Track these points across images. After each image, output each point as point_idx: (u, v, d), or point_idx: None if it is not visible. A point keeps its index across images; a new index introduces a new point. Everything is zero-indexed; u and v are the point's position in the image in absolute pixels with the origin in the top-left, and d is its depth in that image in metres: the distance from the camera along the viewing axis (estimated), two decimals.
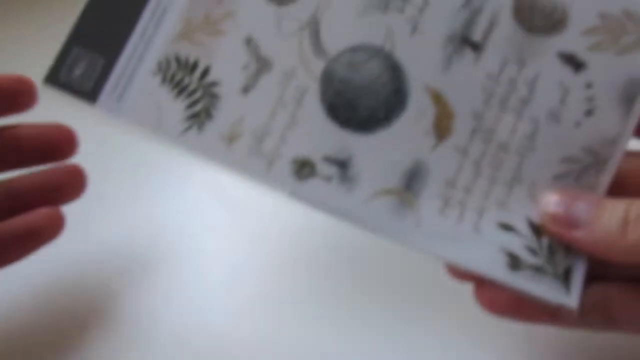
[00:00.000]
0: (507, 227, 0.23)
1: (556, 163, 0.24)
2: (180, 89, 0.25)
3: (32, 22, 0.42)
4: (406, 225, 0.24)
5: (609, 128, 0.24)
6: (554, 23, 0.24)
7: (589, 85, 0.24)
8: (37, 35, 0.40)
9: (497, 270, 0.23)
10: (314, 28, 0.25)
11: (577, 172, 0.24)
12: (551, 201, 0.23)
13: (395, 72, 0.24)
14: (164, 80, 0.25)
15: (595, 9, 0.24)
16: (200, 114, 0.24)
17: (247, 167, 0.24)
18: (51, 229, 0.28)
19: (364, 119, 0.24)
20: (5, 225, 0.27)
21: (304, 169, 0.24)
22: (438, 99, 0.24)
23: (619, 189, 0.24)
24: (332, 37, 0.25)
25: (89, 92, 0.25)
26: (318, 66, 0.24)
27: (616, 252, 0.21)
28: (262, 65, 0.25)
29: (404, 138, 0.24)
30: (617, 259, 0.21)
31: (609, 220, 0.21)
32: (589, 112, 0.24)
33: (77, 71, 0.25)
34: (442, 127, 0.24)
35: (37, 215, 0.27)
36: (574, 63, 0.24)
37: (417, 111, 0.24)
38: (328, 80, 0.24)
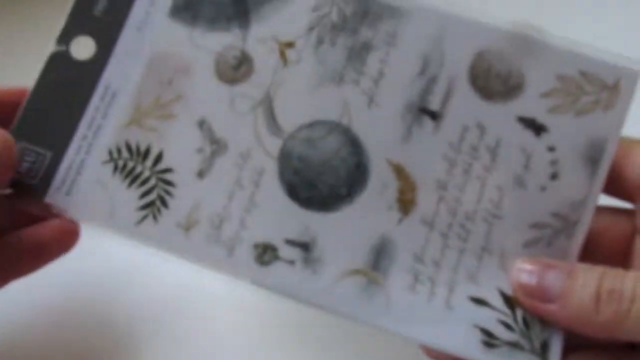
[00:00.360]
0: (479, 302, 0.22)
1: (525, 230, 0.23)
2: (132, 177, 0.24)
3: (31, 20, 0.41)
4: (376, 307, 0.22)
5: (576, 191, 0.23)
6: (511, 88, 0.24)
7: (551, 149, 0.23)
8: (34, 34, 0.38)
9: (471, 349, 0.22)
10: (267, 105, 0.24)
11: (547, 238, 0.23)
12: (522, 271, 0.22)
13: (354, 147, 0.24)
14: (115, 169, 0.24)
15: (552, 71, 0.23)
16: (155, 202, 0.23)
17: (206, 255, 0.23)
18: (63, 243, 0.26)
19: (326, 197, 0.23)
20: (14, 236, 0.25)
21: (265, 254, 0.23)
22: (400, 171, 0.24)
23: (593, 246, 0.23)
24: (287, 114, 0.24)
25: (36, 188, 0.23)
26: (275, 145, 0.24)
27: (591, 328, 0.20)
28: (217, 147, 0.24)
29: (368, 214, 0.23)
30: (593, 334, 0.20)
31: (581, 293, 0.20)
32: (553, 176, 0.23)
33: (24, 166, 0.23)
34: (406, 200, 0.23)
35: (49, 228, 0.26)
36: (535, 127, 0.23)
37: (380, 185, 0.23)
38: (286, 159, 0.24)
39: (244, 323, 0.30)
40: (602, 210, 0.24)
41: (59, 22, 0.25)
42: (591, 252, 0.23)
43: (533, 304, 0.21)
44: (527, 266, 0.22)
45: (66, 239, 0.26)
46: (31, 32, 0.38)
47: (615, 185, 0.24)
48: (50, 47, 0.24)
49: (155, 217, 0.23)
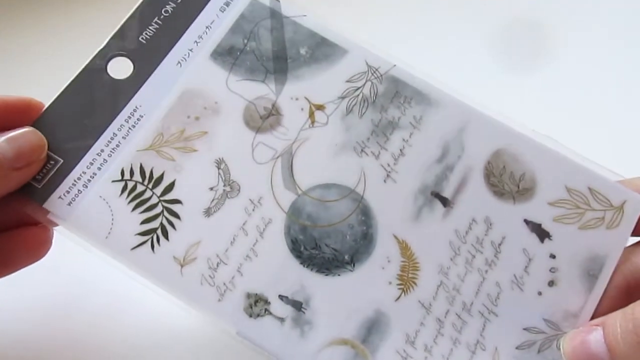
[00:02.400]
0: None
1: (518, 332, 0.23)
2: (139, 201, 0.23)
3: (41, 28, 0.40)
4: None
5: (571, 302, 0.23)
6: (522, 190, 0.24)
7: (552, 256, 0.24)
8: (46, 41, 0.38)
9: None
10: (288, 159, 0.24)
11: (539, 344, 0.23)
12: (571, 348, 0.22)
13: (364, 216, 0.24)
14: (123, 189, 0.23)
15: (562, 182, 0.24)
16: (156, 231, 0.23)
17: (197, 296, 0.22)
18: (33, 252, 0.24)
19: (328, 260, 0.23)
20: None
21: (257, 305, 0.22)
22: (405, 249, 0.24)
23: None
24: (305, 171, 0.24)
25: (39, 191, 0.23)
26: (287, 198, 0.24)
27: None
28: (230, 189, 0.24)
29: (366, 285, 0.23)
30: None
31: (624, 347, 0.21)
32: (551, 283, 0.24)
33: None
34: (407, 279, 0.23)
35: (22, 236, 0.24)
36: (540, 232, 0.24)
37: (383, 259, 0.23)
38: (295, 214, 0.24)
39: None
40: None
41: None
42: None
43: None
44: (570, 342, 0.22)
45: (37, 248, 0.25)
46: (42, 41, 0.39)
47: None
48: (88, 58, 0.25)
49: (153, 246, 0.23)
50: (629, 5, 0.36)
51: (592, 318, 0.23)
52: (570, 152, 0.25)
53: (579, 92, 0.33)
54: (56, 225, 0.23)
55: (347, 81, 0.25)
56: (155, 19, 0.25)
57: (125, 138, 0.24)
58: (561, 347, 0.23)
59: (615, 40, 0.35)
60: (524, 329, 0.23)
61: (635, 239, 0.24)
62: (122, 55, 0.25)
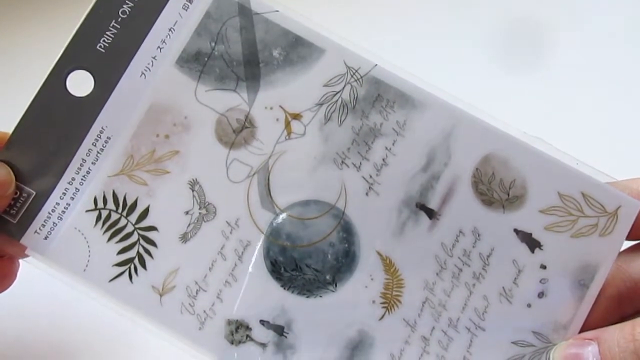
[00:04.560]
0: None
1: (507, 346, 0.23)
2: (114, 231, 0.23)
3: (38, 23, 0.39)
4: None
5: (561, 313, 0.23)
6: (512, 198, 0.23)
7: (543, 267, 0.23)
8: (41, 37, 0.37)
9: None
10: (264, 176, 0.23)
11: (528, 357, 0.22)
12: None
13: (346, 233, 0.23)
14: (97, 219, 0.23)
15: (554, 188, 0.23)
16: (133, 261, 0.22)
17: (177, 325, 0.22)
18: (1, 282, 0.24)
19: (309, 281, 0.23)
20: None
21: (238, 332, 0.22)
22: (389, 266, 0.23)
23: None
24: (282, 188, 0.23)
25: (14, 226, 0.22)
26: (265, 218, 0.23)
27: None
28: (206, 212, 0.23)
29: (349, 305, 0.23)
30: None
31: None
32: (541, 294, 0.23)
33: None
34: (391, 297, 0.23)
35: None
36: (530, 242, 0.23)
37: (366, 277, 0.23)
38: (274, 235, 0.23)
39: None
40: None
41: (56, 49, 0.24)
42: None
43: None
44: (564, 355, 0.22)
45: (2, 281, 0.24)
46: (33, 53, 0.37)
47: None
48: (44, 76, 0.23)
49: (130, 277, 0.22)
50: (627, 5, 0.33)
51: (582, 328, 0.23)
52: (563, 154, 0.23)
53: (578, 92, 0.31)
54: (25, 256, 0.23)
55: (325, 85, 0.24)
56: (113, 22, 0.23)
57: (94, 164, 0.23)
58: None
59: (614, 40, 0.34)
60: (513, 342, 0.23)
61: (627, 245, 0.23)
62: (80, 68, 0.23)
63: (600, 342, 0.22)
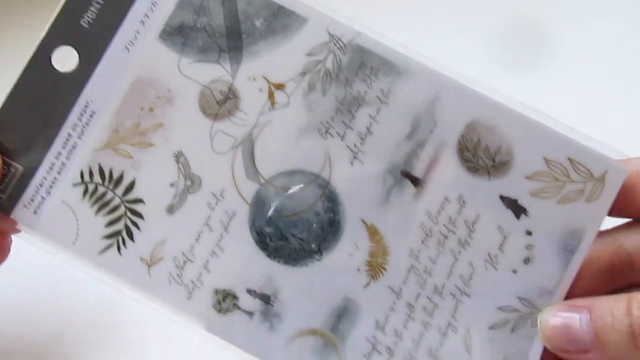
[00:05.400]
0: None
1: (492, 312, 0.23)
2: (101, 204, 0.23)
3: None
4: None
5: (547, 278, 0.23)
6: (498, 164, 0.23)
7: (528, 233, 0.23)
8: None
9: None
10: (248, 147, 0.23)
11: (513, 323, 0.23)
12: (550, 329, 0.22)
13: (330, 202, 0.23)
14: (85, 192, 0.23)
15: (541, 153, 0.23)
16: (121, 233, 0.23)
17: (166, 295, 0.22)
18: None
19: (295, 250, 0.23)
20: None
21: (225, 301, 0.22)
22: (374, 234, 0.23)
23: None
24: (267, 159, 0.23)
25: (3, 202, 0.23)
26: (250, 189, 0.23)
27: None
28: (191, 183, 0.23)
29: (335, 273, 0.23)
30: None
31: (614, 337, 0.21)
32: (527, 260, 0.23)
33: None
34: (376, 264, 0.23)
35: None
36: (516, 208, 0.23)
37: (351, 245, 0.23)
38: (259, 206, 0.23)
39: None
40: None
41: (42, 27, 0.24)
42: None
43: (569, 355, 0.22)
44: (552, 320, 0.22)
45: None
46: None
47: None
48: (29, 53, 0.23)
49: (119, 249, 0.23)
50: (628, 5, 0.33)
51: (568, 295, 0.23)
52: (550, 119, 0.23)
53: (578, 92, 0.31)
54: (16, 232, 0.23)
55: (308, 54, 0.23)
56: None
57: (80, 138, 0.23)
58: (538, 325, 0.22)
59: (614, 40, 0.33)
60: (498, 308, 0.23)
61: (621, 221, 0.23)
62: (65, 44, 0.23)
63: (592, 310, 0.22)
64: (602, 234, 0.24)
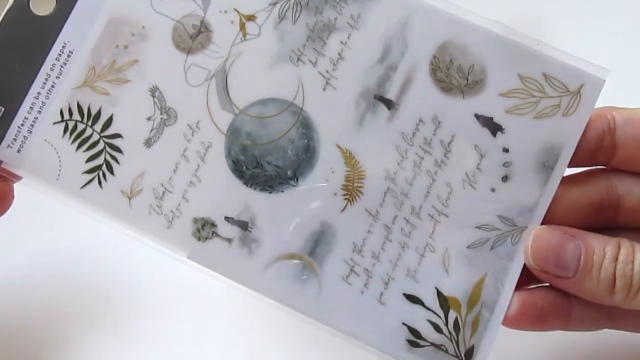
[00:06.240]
0: (413, 299, 0.22)
1: (470, 230, 0.23)
2: (81, 140, 0.23)
3: None
4: (307, 294, 0.22)
5: (526, 195, 0.22)
6: (472, 83, 0.23)
7: (505, 150, 0.22)
8: None
9: (394, 347, 0.22)
10: (222, 78, 0.23)
11: (492, 241, 0.22)
12: (540, 242, 0.22)
13: (305, 129, 0.23)
14: (65, 130, 0.23)
15: (515, 70, 0.22)
16: (101, 167, 0.23)
17: (147, 225, 0.23)
18: None
19: (271, 177, 0.23)
20: None
21: (204, 229, 0.23)
22: (349, 158, 0.23)
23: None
24: (240, 89, 0.23)
25: None
26: (225, 119, 0.23)
27: (601, 302, 0.21)
28: (167, 116, 0.23)
29: (311, 199, 0.23)
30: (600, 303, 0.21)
31: (597, 278, 0.21)
32: (505, 178, 0.23)
33: None
34: (352, 188, 0.23)
35: None
36: (492, 126, 0.23)
37: (327, 171, 0.23)
38: (234, 135, 0.23)
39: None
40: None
41: None
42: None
43: (546, 276, 0.22)
44: (545, 238, 0.22)
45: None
46: None
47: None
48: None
49: (100, 183, 0.23)
50: (629, 5, 0.33)
51: (549, 215, 0.22)
52: (523, 36, 0.22)
53: None
54: (13, 177, 0.24)
55: None
56: None
57: (58, 77, 0.24)
58: (529, 241, 0.22)
59: (615, 40, 0.33)
60: (477, 227, 0.22)
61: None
62: None
63: (587, 245, 0.21)
64: (601, 171, 0.23)
